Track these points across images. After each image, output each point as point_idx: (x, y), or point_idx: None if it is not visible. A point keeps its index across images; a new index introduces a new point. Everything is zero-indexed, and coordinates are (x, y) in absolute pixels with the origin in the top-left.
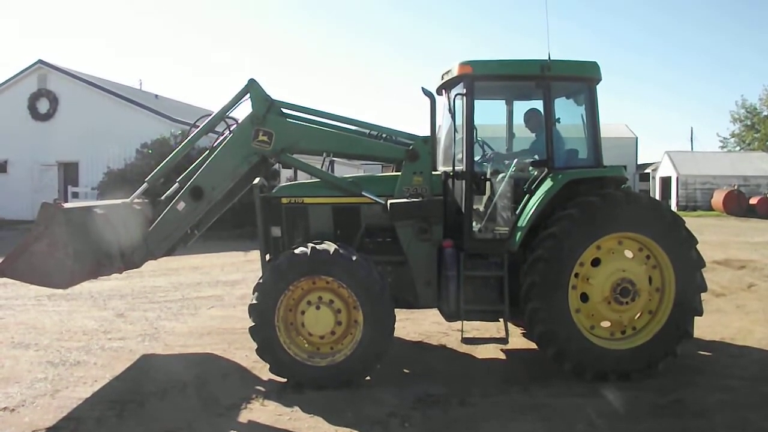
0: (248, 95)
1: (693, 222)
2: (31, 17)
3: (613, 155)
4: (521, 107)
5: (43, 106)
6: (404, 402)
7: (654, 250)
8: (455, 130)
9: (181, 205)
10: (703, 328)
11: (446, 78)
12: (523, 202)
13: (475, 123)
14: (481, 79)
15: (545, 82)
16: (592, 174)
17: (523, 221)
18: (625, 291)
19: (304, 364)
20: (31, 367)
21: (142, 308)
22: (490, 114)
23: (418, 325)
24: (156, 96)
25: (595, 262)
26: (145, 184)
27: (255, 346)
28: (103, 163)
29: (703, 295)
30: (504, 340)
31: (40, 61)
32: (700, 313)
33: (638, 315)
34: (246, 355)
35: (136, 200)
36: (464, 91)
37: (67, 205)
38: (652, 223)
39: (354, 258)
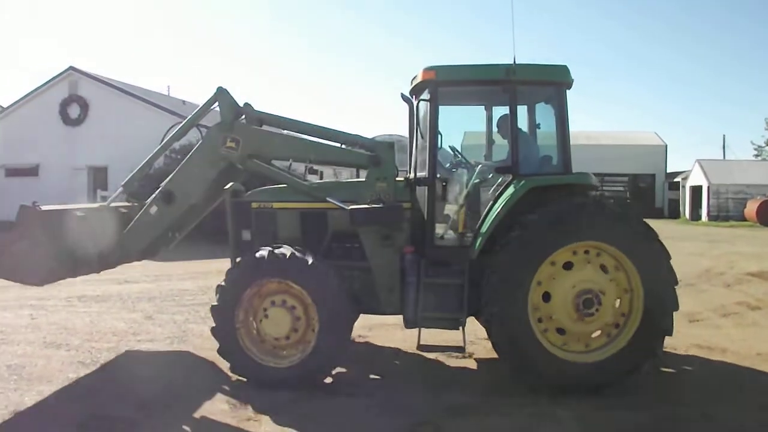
0: (216, 103)
1: (725, 232)
2: (63, 25)
3: (641, 163)
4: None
5: (73, 111)
6: (436, 410)
7: (606, 249)
8: (420, 135)
9: (154, 209)
10: (738, 342)
11: (414, 83)
12: (486, 209)
13: (467, 129)
14: (445, 84)
15: (511, 86)
16: (554, 181)
17: (483, 228)
18: (588, 302)
19: (278, 368)
20: (63, 366)
21: (171, 311)
22: (475, 120)
23: (447, 333)
24: (183, 102)
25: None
26: (121, 188)
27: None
28: (131, 168)
29: (737, 308)
30: (461, 349)
31: (71, 68)
32: (670, 332)
33: (612, 320)
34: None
35: (126, 203)
36: (428, 96)
37: (45, 208)
38: (597, 225)
39: (287, 253)
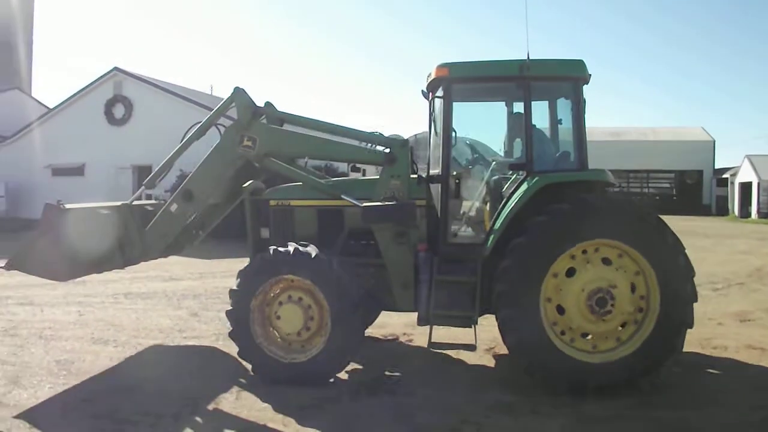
0: (234, 103)
1: None
2: (107, 26)
3: (688, 159)
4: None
5: (118, 111)
6: (476, 409)
7: (617, 246)
8: (435, 133)
9: (174, 207)
10: None
11: (428, 81)
12: (500, 207)
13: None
14: (458, 81)
15: (525, 82)
16: (566, 178)
17: (496, 226)
18: (602, 301)
19: (303, 362)
20: (110, 362)
21: (216, 308)
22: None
23: (488, 331)
24: None
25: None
26: (143, 187)
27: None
28: (175, 166)
29: None
30: (472, 347)
31: (116, 69)
32: (690, 325)
33: (633, 308)
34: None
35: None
36: (442, 93)
37: (68, 206)
38: (606, 223)
39: (293, 249)
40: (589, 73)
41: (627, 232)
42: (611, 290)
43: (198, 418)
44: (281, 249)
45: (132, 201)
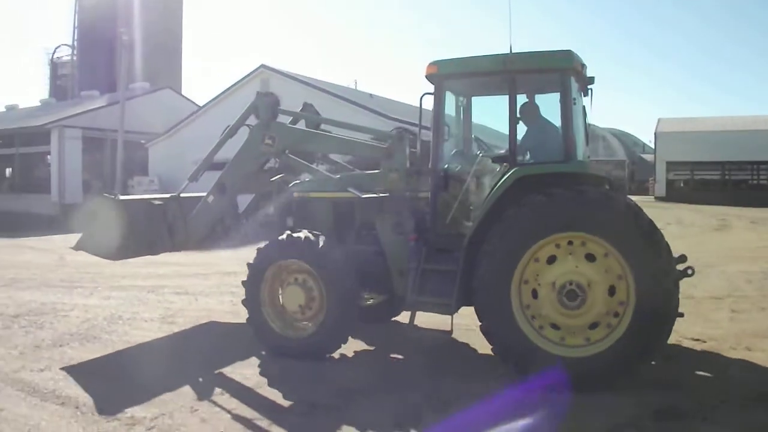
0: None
1: None
2: (255, 25)
3: None
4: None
5: None
6: (643, 413)
7: (594, 241)
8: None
9: (211, 198)
10: None
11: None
12: (483, 198)
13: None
14: (448, 77)
15: (509, 76)
16: (542, 170)
17: (475, 217)
18: (572, 294)
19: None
20: (265, 351)
21: None
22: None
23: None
24: (371, 95)
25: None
26: (187, 181)
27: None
28: (320, 159)
29: None
30: (448, 333)
31: (263, 66)
32: (665, 340)
33: (606, 310)
34: (471, 348)
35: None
36: (433, 90)
37: (122, 197)
38: (581, 217)
39: (303, 236)
40: (583, 63)
41: (593, 225)
42: (584, 286)
43: (348, 411)
44: (293, 235)
45: (180, 193)
